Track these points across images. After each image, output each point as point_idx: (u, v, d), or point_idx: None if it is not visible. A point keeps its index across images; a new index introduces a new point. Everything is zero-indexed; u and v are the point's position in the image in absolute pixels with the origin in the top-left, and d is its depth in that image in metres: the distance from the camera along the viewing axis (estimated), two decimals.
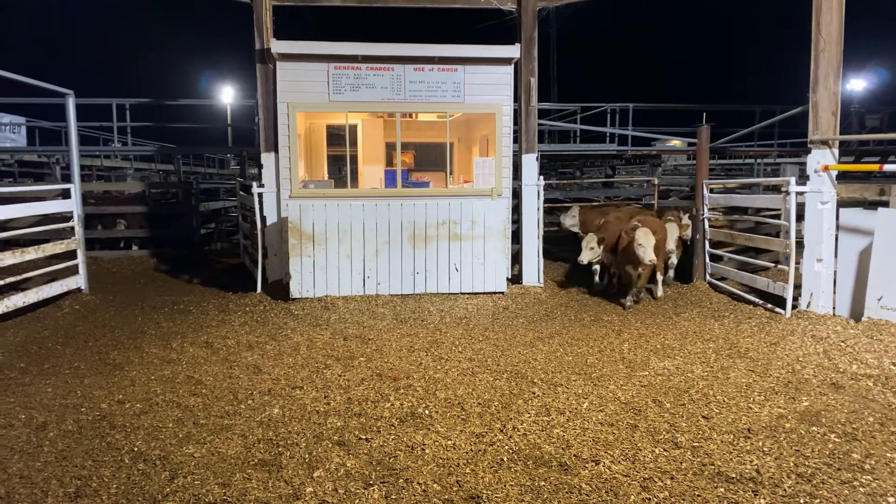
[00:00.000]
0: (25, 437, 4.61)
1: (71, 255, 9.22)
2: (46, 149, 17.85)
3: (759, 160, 20.01)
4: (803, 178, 8.15)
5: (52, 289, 8.65)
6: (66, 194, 9.34)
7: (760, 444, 4.38)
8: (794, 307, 7.84)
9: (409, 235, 9.05)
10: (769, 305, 8.16)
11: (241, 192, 12.37)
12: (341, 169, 10.05)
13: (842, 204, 7.96)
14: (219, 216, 16.56)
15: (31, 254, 8.36)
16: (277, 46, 8.76)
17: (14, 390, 5.58)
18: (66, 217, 9.38)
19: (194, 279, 11.10)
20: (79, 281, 9.22)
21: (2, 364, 6.35)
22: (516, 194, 10.28)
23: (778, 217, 9.34)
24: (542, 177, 10.37)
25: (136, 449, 4.40)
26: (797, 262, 7.91)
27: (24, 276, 8.34)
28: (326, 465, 4.13)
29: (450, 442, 4.43)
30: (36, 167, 19.05)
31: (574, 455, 4.23)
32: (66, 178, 10.94)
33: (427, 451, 4.31)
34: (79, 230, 9.28)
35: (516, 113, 10.09)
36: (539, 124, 11.94)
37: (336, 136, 10.39)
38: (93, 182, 18.11)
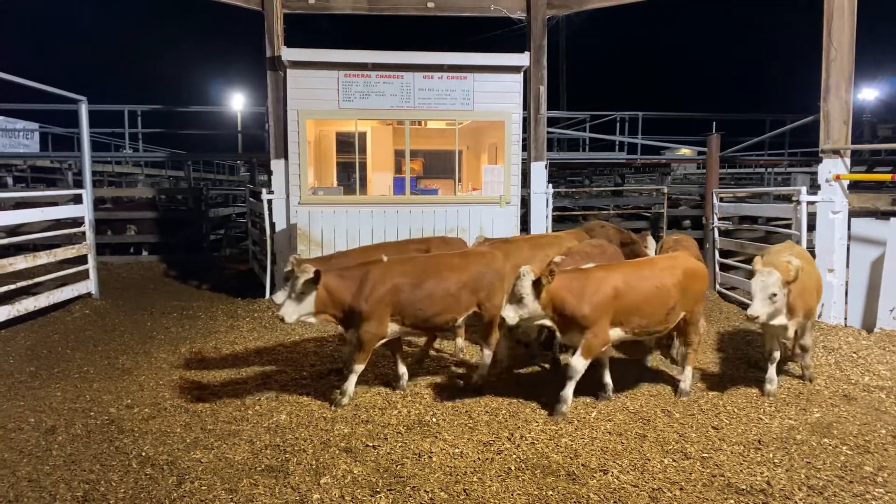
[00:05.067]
0: (35, 441, 4.63)
1: (82, 259, 9.28)
2: (59, 154, 18.02)
3: (769, 169, 19.90)
4: (814, 187, 8.10)
5: (62, 293, 8.71)
6: (77, 199, 9.41)
7: (771, 455, 4.33)
8: None
9: None
10: None
11: (251, 199, 12.43)
12: (350, 176, 10.05)
13: (853, 214, 7.90)
14: (228, 222, 16.63)
15: (43, 258, 8.42)
16: (288, 54, 8.81)
17: (24, 394, 5.61)
18: (77, 222, 9.46)
19: (203, 285, 11.14)
20: (89, 286, 9.27)
21: (12, 368, 6.39)
22: (525, 202, 10.27)
23: (788, 227, 9.28)
24: (550, 185, 10.36)
25: (143, 454, 4.41)
26: None
27: (36, 280, 8.39)
28: (333, 471, 4.12)
29: (457, 450, 4.42)
30: (48, 173, 19.23)
31: (582, 464, 4.20)
32: (78, 184, 11.03)
33: (434, 458, 4.29)
34: (90, 235, 9.34)
35: (525, 121, 10.08)
36: (548, 132, 11.94)
37: (345, 144, 10.40)
38: (104, 188, 18.25)
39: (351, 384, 5.30)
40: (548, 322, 5.05)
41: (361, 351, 5.22)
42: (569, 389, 5.04)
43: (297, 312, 4.99)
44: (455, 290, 5.43)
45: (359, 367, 5.28)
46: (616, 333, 5.15)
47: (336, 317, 5.22)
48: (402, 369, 5.68)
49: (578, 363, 4.99)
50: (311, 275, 4.94)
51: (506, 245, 6.61)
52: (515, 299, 4.86)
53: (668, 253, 6.29)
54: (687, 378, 5.50)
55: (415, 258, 5.75)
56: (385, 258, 5.49)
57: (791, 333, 5.54)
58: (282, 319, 4.96)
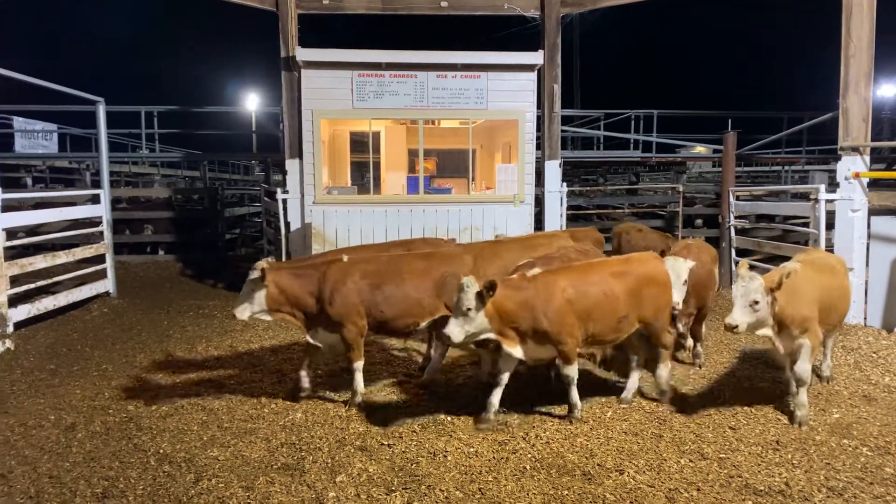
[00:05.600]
0: (55, 438, 4.70)
1: (100, 259, 9.38)
2: (77, 155, 18.24)
3: (786, 167, 19.68)
4: (833, 185, 8.01)
5: (81, 292, 8.81)
6: (95, 199, 9.53)
7: (790, 456, 4.29)
8: None
9: None
10: None
11: (266, 198, 12.50)
12: (364, 175, 10.10)
13: (873, 212, 7.80)
14: (243, 222, 16.73)
15: (62, 258, 8.53)
16: (302, 54, 8.86)
17: (44, 391, 5.69)
18: (95, 222, 9.57)
19: (219, 284, 11.23)
20: (107, 285, 9.38)
21: (32, 366, 6.48)
22: (539, 201, 10.24)
23: (806, 225, 9.18)
24: (564, 183, 10.32)
25: (161, 451, 4.45)
26: None
27: (55, 279, 8.50)
28: (349, 470, 4.14)
29: (472, 449, 4.42)
30: (67, 173, 19.48)
31: (598, 464, 4.19)
32: (96, 184, 11.15)
33: (449, 457, 4.30)
34: (108, 235, 9.45)
35: (539, 119, 10.05)
36: (562, 131, 11.89)
37: (359, 143, 10.44)
38: (121, 188, 18.44)
39: (359, 382, 5.29)
40: (493, 336, 4.60)
41: (352, 350, 5.22)
42: (573, 395, 4.93)
43: (248, 310, 5.10)
44: (417, 293, 5.24)
45: (359, 364, 5.26)
46: None
47: (295, 316, 5.22)
48: (307, 383, 5.44)
49: (570, 371, 4.84)
50: (258, 273, 5.00)
51: (494, 246, 6.38)
52: (461, 313, 4.39)
53: (630, 255, 5.67)
54: (662, 377, 5.24)
55: (376, 258, 5.54)
56: (345, 258, 5.36)
57: (780, 349, 4.84)
58: (233, 317, 5.16)
